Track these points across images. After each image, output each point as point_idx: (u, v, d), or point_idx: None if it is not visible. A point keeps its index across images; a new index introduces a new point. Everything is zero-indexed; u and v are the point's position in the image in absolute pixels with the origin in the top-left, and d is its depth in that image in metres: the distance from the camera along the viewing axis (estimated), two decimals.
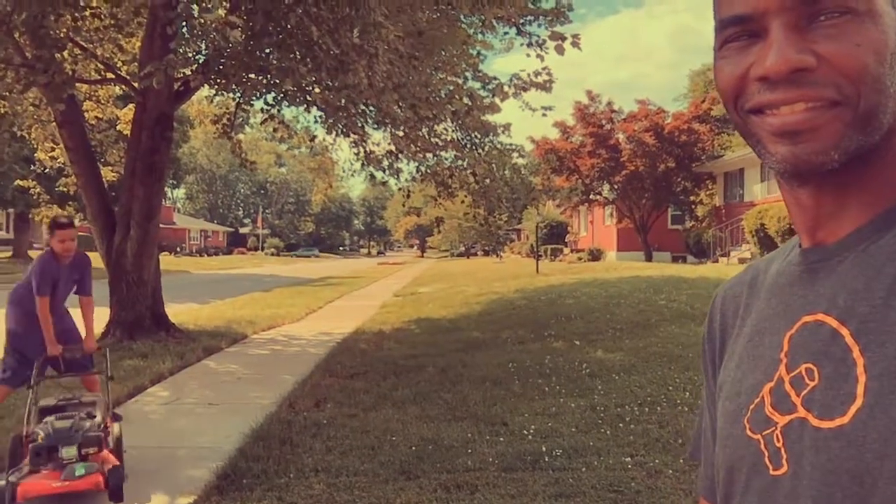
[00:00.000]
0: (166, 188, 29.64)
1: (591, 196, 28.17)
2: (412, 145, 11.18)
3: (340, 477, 4.04)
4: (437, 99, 10.00)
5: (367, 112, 10.52)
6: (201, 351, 8.69)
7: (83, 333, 5.18)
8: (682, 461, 4.05)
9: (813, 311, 0.62)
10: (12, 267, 28.46)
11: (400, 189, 13.58)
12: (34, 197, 27.79)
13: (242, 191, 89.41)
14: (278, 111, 10.97)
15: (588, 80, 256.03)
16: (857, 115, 0.57)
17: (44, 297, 4.85)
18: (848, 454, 0.54)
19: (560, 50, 9.37)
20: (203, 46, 9.81)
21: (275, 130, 11.97)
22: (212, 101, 13.50)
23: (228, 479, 4.05)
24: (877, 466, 0.52)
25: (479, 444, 4.59)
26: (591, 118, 26.79)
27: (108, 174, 13.24)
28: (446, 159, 12.41)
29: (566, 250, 35.39)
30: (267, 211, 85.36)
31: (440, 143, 11.51)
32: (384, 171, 12.05)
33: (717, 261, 21.52)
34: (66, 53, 9.82)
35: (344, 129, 10.69)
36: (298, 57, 7.98)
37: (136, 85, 9.43)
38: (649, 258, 26.55)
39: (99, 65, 10.93)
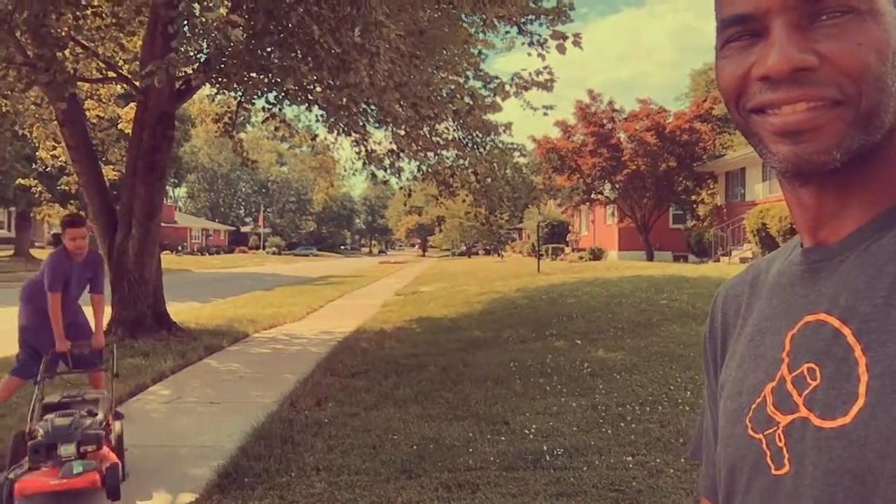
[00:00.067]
0: (168, 187, 29.65)
1: (593, 195, 28.17)
2: (413, 144, 11.19)
3: (342, 476, 4.04)
4: (439, 98, 10.00)
5: (369, 111, 10.52)
6: (203, 350, 8.70)
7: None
8: (683, 460, 4.05)
9: (815, 310, 0.62)
10: (14, 266, 28.51)
11: (401, 188, 13.58)
12: (36, 196, 27.80)
13: (244, 189, 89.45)
14: (280, 110, 10.98)
15: (589, 79, 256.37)
16: (858, 115, 0.57)
17: (55, 293, 4.90)
18: (850, 454, 0.54)
19: (561, 49, 9.36)
20: (204, 45, 9.82)
21: (276, 129, 11.98)
22: (213, 100, 13.50)
23: (230, 478, 4.05)
24: (878, 466, 0.52)
25: (481, 443, 4.59)
26: (592, 117, 26.78)
27: (109, 173, 13.25)
28: (448, 158, 12.42)
29: (567, 249, 35.39)
30: (268, 210, 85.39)
31: (441, 142, 11.51)
32: (385, 170, 12.06)
33: (718, 260, 21.51)
34: (67, 52, 9.83)
35: (345, 128, 10.68)
36: (300, 56, 7.98)
37: (137, 84, 9.45)
38: (651, 257, 26.54)
39: (100, 63, 10.94)
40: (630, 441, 4.49)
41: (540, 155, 27.65)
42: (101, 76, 11.19)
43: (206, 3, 7.53)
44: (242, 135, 17.30)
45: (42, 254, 35.10)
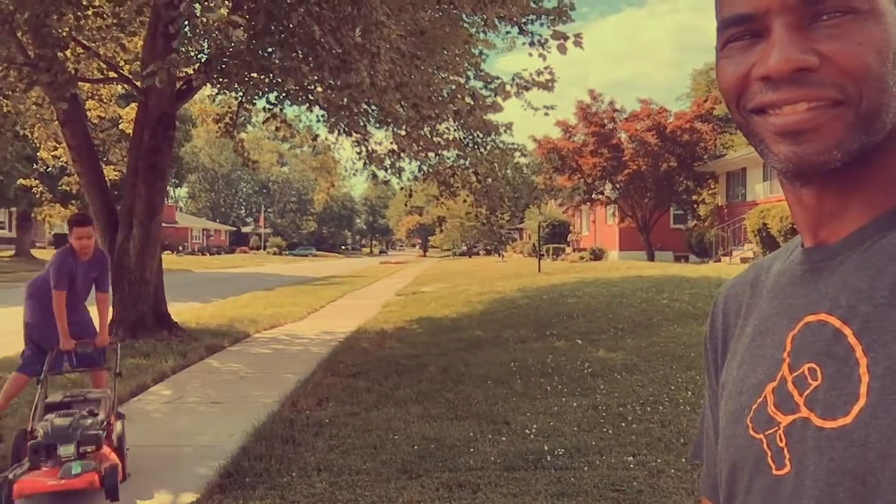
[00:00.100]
0: (168, 187, 29.68)
1: (594, 195, 28.17)
2: (414, 144, 11.18)
3: (342, 476, 4.05)
4: (440, 98, 10.00)
5: (370, 111, 10.51)
6: (204, 350, 8.70)
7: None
8: (684, 461, 4.05)
9: (815, 310, 0.62)
10: (15, 266, 28.53)
11: (402, 188, 13.57)
12: (37, 196, 27.85)
13: (245, 190, 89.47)
14: (280, 110, 10.97)
15: (590, 78, 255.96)
16: (859, 115, 0.57)
17: (60, 291, 4.91)
18: (851, 454, 0.54)
19: (562, 49, 9.35)
20: (205, 45, 9.79)
21: (277, 129, 11.97)
22: (214, 101, 13.51)
23: (231, 478, 4.06)
24: (879, 466, 0.52)
25: (481, 443, 4.59)
26: (593, 117, 26.78)
27: (110, 173, 13.26)
28: (448, 158, 12.41)
29: (568, 250, 35.37)
30: (269, 210, 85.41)
31: (442, 143, 11.50)
32: (386, 171, 12.05)
33: (719, 260, 21.50)
34: (68, 52, 9.84)
35: (346, 129, 10.67)
36: (301, 56, 7.98)
37: (138, 84, 9.45)
38: (651, 258, 26.53)
39: (101, 64, 10.95)
40: (631, 441, 4.49)
41: (541, 155, 27.66)
42: (102, 76, 11.20)
43: (207, 4, 7.52)
44: (243, 135, 17.30)
45: (42, 254, 35.18)
